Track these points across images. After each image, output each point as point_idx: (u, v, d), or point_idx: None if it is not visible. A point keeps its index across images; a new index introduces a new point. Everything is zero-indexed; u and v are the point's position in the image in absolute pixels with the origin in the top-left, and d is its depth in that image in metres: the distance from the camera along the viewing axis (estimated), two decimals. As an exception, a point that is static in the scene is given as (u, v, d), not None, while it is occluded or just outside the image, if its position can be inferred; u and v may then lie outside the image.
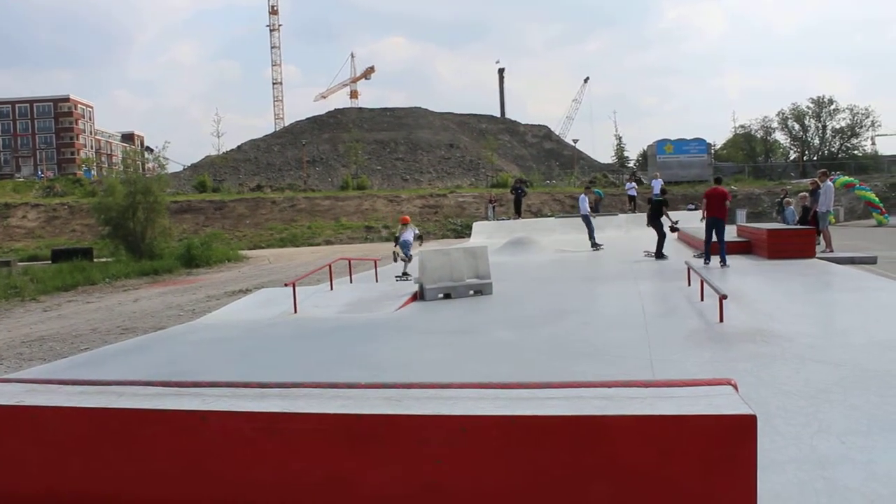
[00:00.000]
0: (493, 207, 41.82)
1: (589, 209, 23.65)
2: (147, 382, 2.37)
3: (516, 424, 1.84)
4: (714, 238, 16.11)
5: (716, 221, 16.05)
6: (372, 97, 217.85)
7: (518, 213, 39.21)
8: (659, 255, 18.47)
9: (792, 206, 24.35)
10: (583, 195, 24.09)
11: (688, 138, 68.80)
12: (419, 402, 2.04)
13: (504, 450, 1.83)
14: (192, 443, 2.05)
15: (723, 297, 8.57)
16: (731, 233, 21.62)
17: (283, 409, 2.05)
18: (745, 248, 18.27)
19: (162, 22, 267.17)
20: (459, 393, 2.09)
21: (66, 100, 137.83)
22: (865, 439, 4.44)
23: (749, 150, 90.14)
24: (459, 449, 1.86)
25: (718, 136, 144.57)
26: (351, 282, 16.30)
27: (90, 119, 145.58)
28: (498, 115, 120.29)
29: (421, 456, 1.92)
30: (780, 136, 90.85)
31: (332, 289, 14.31)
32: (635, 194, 37.61)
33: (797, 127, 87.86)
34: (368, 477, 1.96)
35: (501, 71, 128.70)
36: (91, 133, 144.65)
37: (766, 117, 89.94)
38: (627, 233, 28.72)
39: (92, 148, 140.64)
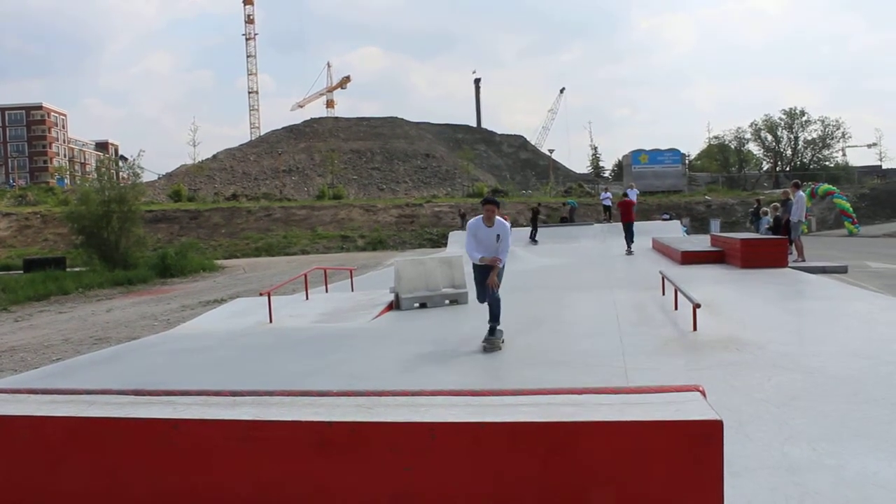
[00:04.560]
0: (465, 219, 41.95)
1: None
2: (119, 391, 2.36)
3: (486, 431, 1.85)
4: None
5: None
6: (347, 107, 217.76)
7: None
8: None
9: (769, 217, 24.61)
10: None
11: (663, 149, 69.35)
12: (390, 409, 2.05)
13: (474, 456, 1.85)
14: (163, 451, 2.05)
15: (696, 306, 8.66)
16: (704, 242, 21.82)
17: (255, 417, 2.05)
18: (718, 257, 18.42)
19: (134, 31, 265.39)
20: (431, 400, 2.10)
21: (39, 108, 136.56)
22: (835, 445, 4.50)
23: (723, 160, 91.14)
24: (429, 456, 1.87)
25: (693, 147, 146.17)
26: (326, 291, 16.26)
27: (63, 127, 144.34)
28: (474, 125, 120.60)
29: (391, 463, 1.93)
30: (754, 147, 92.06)
31: (307, 298, 14.27)
32: (610, 204, 37.79)
33: (770, 138, 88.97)
34: (339, 484, 1.96)
35: (477, 81, 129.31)
36: (64, 141, 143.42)
37: (739, 128, 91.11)
38: (603, 242, 28.88)
39: (65, 156, 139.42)
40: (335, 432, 1.94)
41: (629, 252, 23.83)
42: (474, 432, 1.85)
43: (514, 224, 38.64)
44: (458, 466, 1.88)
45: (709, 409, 1.89)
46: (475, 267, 8.86)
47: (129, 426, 2.10)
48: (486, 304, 8.81)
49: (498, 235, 8.58)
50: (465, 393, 2.12)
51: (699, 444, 1.78)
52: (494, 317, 8.67)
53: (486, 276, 8.58)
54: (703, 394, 2.04)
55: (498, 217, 8.65)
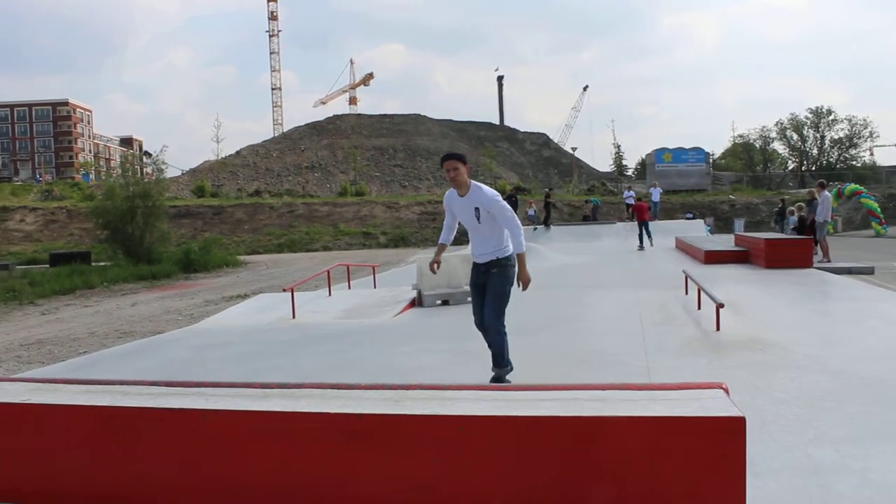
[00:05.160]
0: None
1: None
2: (152, 382, 2.41)
3: (513, 424, 1.88)
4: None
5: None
6: (370, 104, 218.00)
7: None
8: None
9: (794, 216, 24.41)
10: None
11: (686, 147, 68.87)
12: (418, 402, 2.08)
13: (499, 449, 1.87)
14: (195, 441, 2.09)
15: (720, 306, 8.62)
16: (728, 241, 21.70)
17: (285, 409, 2.09)
18: (742, 257, 18.31)
19: (157, 27, 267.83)
20: (458, 394, 2.13)
21: (65, 103, 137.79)
22: (860, 447, 4.47)
23: (748, 159, 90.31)
24: (456, 448, 1.90)
25: (716, 146, 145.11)
26: (349, 288, 16.33)
27: (89, 123, 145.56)
28: (496, 122, 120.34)
29: (419, 455, 1.96)
30: (779, 146, 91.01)
31: (330, 294, 14.34)
32: (633, 203, 37.72)
33: (795, 137, 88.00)
34: (366, 475, 2.00)
35: (500, 79, 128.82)
36: (90, 137, 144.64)
37: (764, 127, 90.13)
38: (626, 241, 28.77)
39: (90, 152, 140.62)
40: (364, 424, 1.98)
41: (640, 248, 25.89)
42: (501, 425, 1.88)
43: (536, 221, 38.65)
44: (484, 459, 1.90)
45: (731, 406, 1.91)
46: (473, 265, 6.66)
47: (162, 416, 2.15)
48: (509, 304, 6.46)
49: (477, 209, 6.19)
50: (492, 388, 2.15)
51: (722, 441, 1.79)
52: (498, 360, 6.48)
53: (484, 277, 6.40)
54: (727, 391, 2.06)
55: (480, 185, 6.34)
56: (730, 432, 1.78)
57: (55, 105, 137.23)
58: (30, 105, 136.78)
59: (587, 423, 1.86)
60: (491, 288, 6.40)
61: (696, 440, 1.81)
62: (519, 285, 6.40)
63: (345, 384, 2.27)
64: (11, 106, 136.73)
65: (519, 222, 6.31)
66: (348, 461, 1.99)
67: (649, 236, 26.76)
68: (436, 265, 6.85)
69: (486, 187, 6.38)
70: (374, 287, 16.18)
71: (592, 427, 1.87)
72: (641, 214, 27.11)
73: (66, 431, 2.20)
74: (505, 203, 6.26)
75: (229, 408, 2.14)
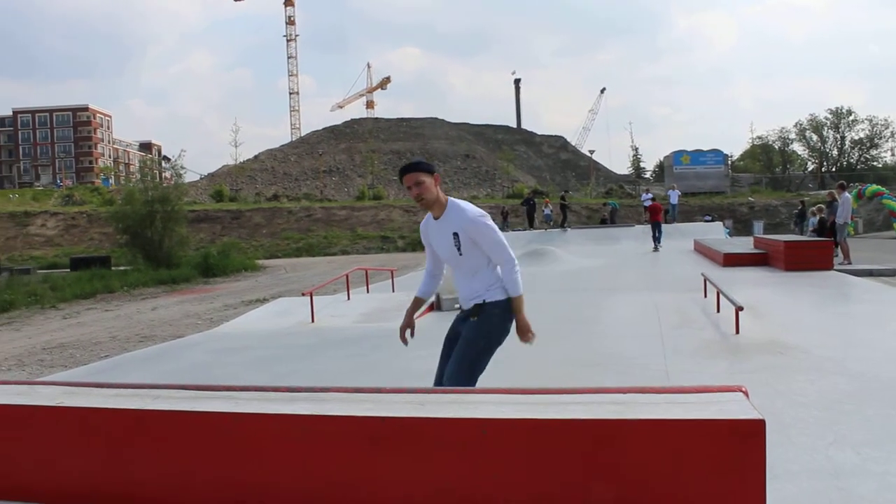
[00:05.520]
0: (507, 220, 42.49)
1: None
2: (181, 386, 2.46)
3: (536, 427, 1.91)
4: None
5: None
6: (387, 107, 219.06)
7: (531, 225, 39.59)
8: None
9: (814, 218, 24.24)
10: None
11: (705, 149, 68.60)
12: (442, 406, 2.12)
13: (522, 452, 1.91)
14: (225, 443, 2.14)
15: (739, 309, 8.60)
16: (747, 244, 21.62)
17: (312, 412, 2.13)
18: (761, 259, 18.23)
19: (175, 32, 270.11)
20: (481, 398, 2.17)
21: (85, 109, 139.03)
22: (881, 450, 4.47)
23: (766, 161, 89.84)
24: (479, 451, 1.93)
25: (735, 147, 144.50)
26: (368, 292, 16.39)
27: (108, 128, 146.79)
28: (513, 125, 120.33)
29: (443, 458, 2.00)
30: (798, 147, 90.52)
31: (348, 298, 14.40)
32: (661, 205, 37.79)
33: (815, 138, 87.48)
34: (389, 478, 2.04)
35: (517, 82, 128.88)
36: (109, 142, 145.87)
37: (783, 128, 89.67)
38: (644, 244, 28.71)
39: (110, 157, 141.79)
40: (388, 427, 2.02)
41: (655, 249, 26.66)
42: (524, 428, 1.91)
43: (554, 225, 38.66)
44: (507, 462, 1.94)
45: (751, 408, 1.93)
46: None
47: (193, 419, 2.20)
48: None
49: (456, 235, 4.51)
50: (515, 391, 2.19)
51: (742, 443, 1.82)
52: None
53: (462, 326, 4.67)
54: (746, 394, 2.08)
55: (459, 202, 4.66)
56: (750, 435, 1.81)
57: (75, 110, 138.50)
58: (50, 111, 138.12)
59: (609, 427, 1.90)
60: (464, 337, 4.55)
61: (716, 443, 1.84)
62: (505, 337, 4.71)
63: (369, 388, 2.32)
64: (32, 112, 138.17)
65: (512, 254, 4.62)
66: (373, 464, 2.04)
67: (658, 239, 27.30)
68: (408, 331, 5.07)
69: (466, 204, 4.64)
70: (393, 291, 16.23)
71: (614, 430, 1.90)
72: (654, 215, 27.85)
73: (100, 435, 2.26)
74: (493, 225, 4.58)
75: (259, 411, 2.19)
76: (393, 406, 2.16)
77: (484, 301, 4.57)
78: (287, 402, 2.29)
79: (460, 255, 4.56)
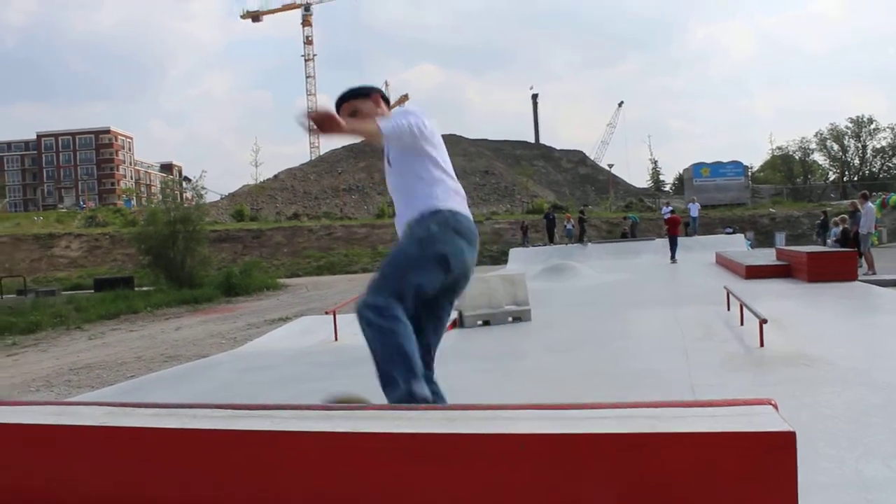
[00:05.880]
0: (527, 235, 42.52)
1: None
2: (217, 405, 2.51)
3: (573, 441, 1.94)
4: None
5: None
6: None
7: (551, 240, 39.60)
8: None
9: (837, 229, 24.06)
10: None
11: (724, 161, 68.38)
12: (479, 421, 2.16)
13: (559, 466, 1.93)
14: (264, 463, 2.18)
15: (763, 322, 8.56)
16: (769, 256, 21.51)
17: (349, 429, 2.17)
18: (784, 271, 18.11)
19: (193, 54, 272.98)
20: (516, 413, 2.20)
21: (107, 131, 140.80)
22: (910, 462, 4.44)
23: (787, 171, 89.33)
24: (515, 466, 1.96)
25: (755, 158, 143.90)
26: (390, 309, 16.39)
27: (130, 150, 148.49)
28: (532, 140, 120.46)
29: (477, 473, 2.03)
30: (819, 157, 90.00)
31: (371, 316, 14.38)
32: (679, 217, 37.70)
33: (836, 147, 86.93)
34: (428, 493, 2.07)
35: (535, 97, 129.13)
36: (131, 163, 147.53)
37: (803, 138, 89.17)
38: (665, 258, 28.63)
39: (132, 178, 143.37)
40: (426, 443, 2.05)
41: (673, 261, 27.56)
42: (562, 443, 1.94)
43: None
44: (543, 476, 1.97)
45: (781, 421, 1.95)
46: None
47: (233, 437, 2.24)
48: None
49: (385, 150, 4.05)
50: (548, 406, 2.22)
51: (773, 456, 1.84)
52: (380, 373, 3.72)
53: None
54: (775, 406, 2.10)
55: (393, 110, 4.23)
56: (781, 447, 1.83)
57: (97, 133, 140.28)
58: (73, 134, 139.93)
59: (644, 440, 1.92)
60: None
61: (748, 455, 1.86)
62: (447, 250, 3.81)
63: (404, 405, 2.36)
64: (56, 135, 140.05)
65: (410, 120, 3.81)
66: (411, 479, 2.06)
67: (673, 252, 28.10)
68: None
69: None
70: (415, 308, 16.25)
71: (649, 443, 1.92)
72: (671, 228, 28.80)
73: (140, 452, 2.31)
74: (417, 112, 3.94)
75: (296, 429, 2.23)
76: (429, 423, 2.20)
77: (409, 219, 3.90)
78: (323, 420, 2.32)
79: (390, 168, 4.03)
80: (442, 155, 4.03)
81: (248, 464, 2.16)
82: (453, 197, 3.94)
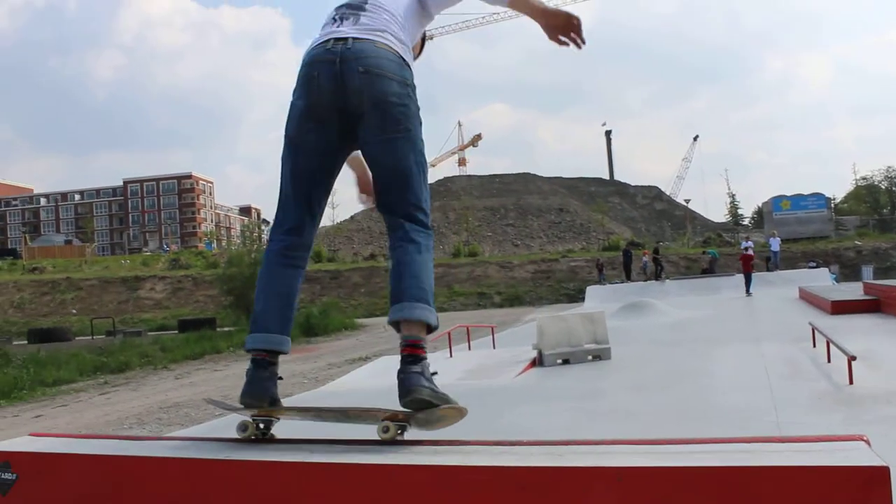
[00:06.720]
0: (603, 273, 42.25)
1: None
2: (329, 441, 2.66)
3: (670, 474, 2.03)
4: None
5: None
6: (478, 164, 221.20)
7: (628, 277, 39.26)
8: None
9: None
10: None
11: (805, 193, 66.94)
12: (579, 456, 2.26)
13: (658, 499, 2.02)
14: (381, 496, 2.32)
15: (851, 359, 8.39)
16: (856, 290, 20.96)
17: (458, 464, 2.30)
18: (873, 306, 17.61)
19: (272, 101, 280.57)
20: (613, 448, 2.30)
21: (189, 177, 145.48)
22: None
23: (873, 202, 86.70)
24: (617, 498, 2.06)
25: (838, 189, 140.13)
26: (469, 349, 16.53)
27: (210, 194, 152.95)
28: (606, 177, 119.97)
29: (581, 505, 2.13)
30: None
31: (451, 356, 14.56)
32: (752, 254, 36.89)
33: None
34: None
35: (608, 133, 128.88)
36: (211, 207, 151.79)
37: (889, 167, 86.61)
38: (746, 293, 28.16)
39: (212, 221, 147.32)
40: (531, 476, 2.16)
41: (748, 294, 29.18)
42: (658, 476, 2.03)
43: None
44: (643, 508, 2.06)
45: (875, 456, 2.00)
46: None
47: (351, 472, 2.39)
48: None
49: None
50: (645, 442, 2.31)
51: (866, 491, 1.89)
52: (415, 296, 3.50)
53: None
54: (868, 443, 2.15)
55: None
56: (875, 482, 1.88)
57: (180, 178, 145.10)
58: (157, 179, 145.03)
59: (742, 474, 1.99)
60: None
61: (842, 490, 1.91)
62: None
63: (507, 441, 2.47)
64: (141, 181, 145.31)
65: None
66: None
67: (747, 286, 29.63)
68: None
69: None
70: (494, 347, 16.34)
71: (744, 477, 1.99)
72: (744, 265, 30.73)
73: (265, 486, 2.47)
74: None
75: (408, 462, 2.37)
76: (533, 457, 2.30)
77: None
78: (431, 455, 2.46)
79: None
80: None
81: (362, 498, 2.30)
82: None
